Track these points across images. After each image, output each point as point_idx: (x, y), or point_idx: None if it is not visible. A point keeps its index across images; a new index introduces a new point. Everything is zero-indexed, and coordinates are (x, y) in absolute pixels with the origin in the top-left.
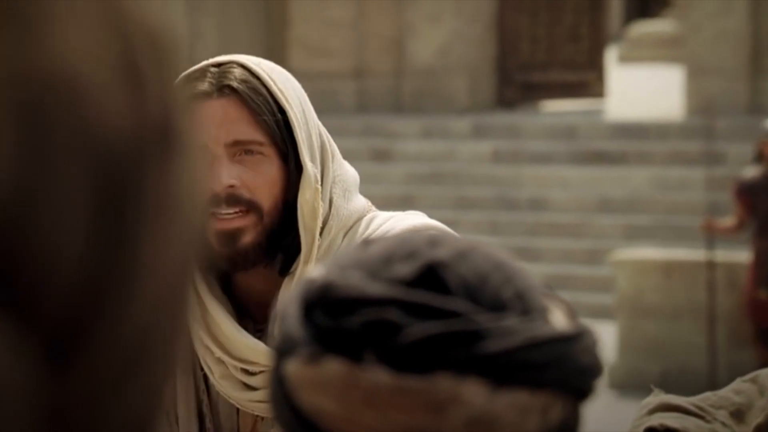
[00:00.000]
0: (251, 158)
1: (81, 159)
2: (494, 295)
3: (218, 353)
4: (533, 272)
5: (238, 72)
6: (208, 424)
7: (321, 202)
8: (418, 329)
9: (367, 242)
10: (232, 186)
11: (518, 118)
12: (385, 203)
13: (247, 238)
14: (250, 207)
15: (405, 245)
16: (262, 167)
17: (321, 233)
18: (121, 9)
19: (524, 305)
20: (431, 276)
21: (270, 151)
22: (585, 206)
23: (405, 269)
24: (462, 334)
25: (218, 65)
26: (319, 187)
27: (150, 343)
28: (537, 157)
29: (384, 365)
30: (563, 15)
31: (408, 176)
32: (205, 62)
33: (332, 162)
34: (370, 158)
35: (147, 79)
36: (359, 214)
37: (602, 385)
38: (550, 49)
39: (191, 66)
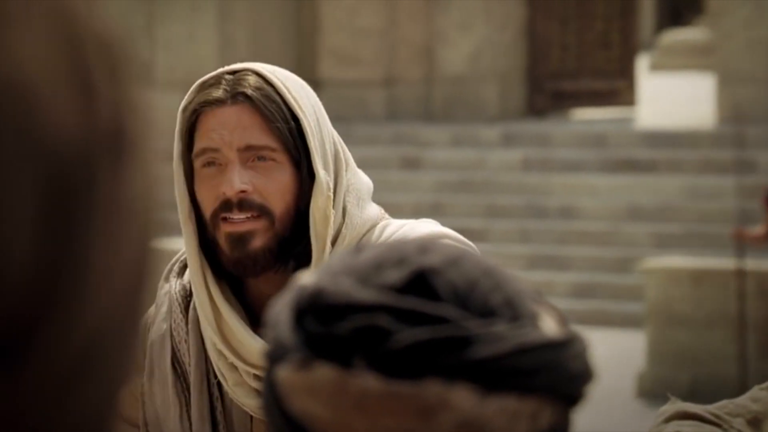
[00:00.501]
0: (264, 164)
1: (29, 163)
2: (483, 301)
3: (231, 358)
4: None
5: (252, 80)
6: (222, 431)
7: (333, 210)
8: (407, 335)
9: (358, 249)
10: (243, 191)
11: (548, 126)
12: (414, 211)
13: (258, 243)
14: (261, 212)
15: (395, 252)
16: (274, 173)
17: (334, 241)
18: (73, 16)
19: (514, 312)
20: (421, 282)
21: (282, 158)
22: (615, 214)
23: (395, 275)
24: (451, 340)
25: (233, 72)
26: (332, 195)
27: (102, 346)
28: (567, 165)
29: (374, 371)
30: (594, 23)
31: (438, 184)
32: (220, 69)
33: (346, 170)
34: (400, 166)
35: (98, 84)
36: (372, 222)
37: (631, 393)
38: (581, 57)
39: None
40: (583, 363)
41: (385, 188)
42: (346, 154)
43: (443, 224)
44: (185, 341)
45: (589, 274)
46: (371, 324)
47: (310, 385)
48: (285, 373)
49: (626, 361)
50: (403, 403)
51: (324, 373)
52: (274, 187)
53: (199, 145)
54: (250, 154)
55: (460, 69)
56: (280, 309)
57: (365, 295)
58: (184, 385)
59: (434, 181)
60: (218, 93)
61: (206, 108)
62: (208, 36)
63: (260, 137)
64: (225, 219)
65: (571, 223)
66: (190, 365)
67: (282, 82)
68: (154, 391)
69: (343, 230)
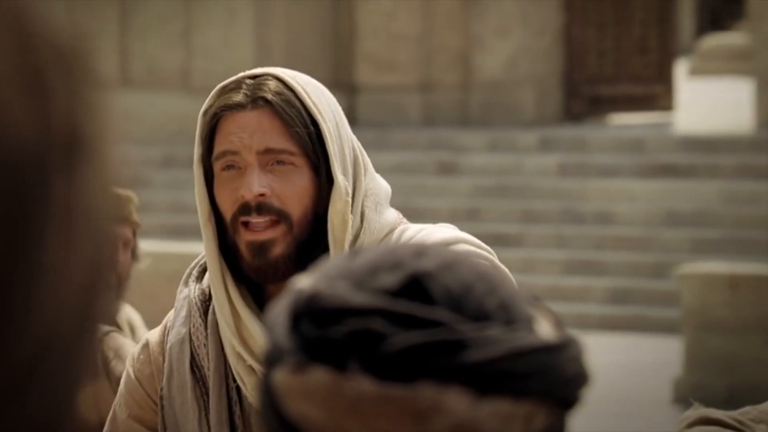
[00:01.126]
0: (282, 168)
1: None
2: (478, 305)
3: (250, 361)
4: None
5: (272, 84)
6: None
7: (351, 215)
8: (401, 339)
9: (355, 252)
10: (262, 194)
11: (585, 131)
12: (450, 216)
13: (278, 250)
14: (279, 216)
15: (391, 256)
16: (292, 177)
17: (353, 246)
18: (26, 20)
19: (508, 315)
20: (416, 286)
21: (301, 162)
22: (652, 220)
23: (390, 279)
24: (445, 343)
25: (254, 77)
26: (350, 199)
27: (55, 347)
28: (604, 170)
29: (368, 374)
30: (631, 28)
31: (474, 189)
32: (241, 74)
33: (364, 175)
34: (436, 171)
35: (52, 89)
36: (391, 226)
37: (668, 399)
38: (618, 62)
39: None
40: (578, 366)
41: (421, 193)
42: (365, 159)
43: (479, 230)
44: (204, 345)
45: (626, 280)
46: (366, 328)
47: (305, 388)
48: (281, 377)
49: (662, 367)
50: (397, 407)
51: (319, 376)
52: (293, 191)
53: (219, 148)
54: (269, 158)
55: (497, 74)
56: (278, 312)
57: (360, 298)
58: (203, 389)
59: (470, 187)
60: (239, 97)
61: (227, 112)
62: (245, 42)
63: (279, 141)
64: (245, 224)
65: (607, 228)
66: (208, 369)
67: (302, 87)
68: (173, 395)
69: (362, 235)
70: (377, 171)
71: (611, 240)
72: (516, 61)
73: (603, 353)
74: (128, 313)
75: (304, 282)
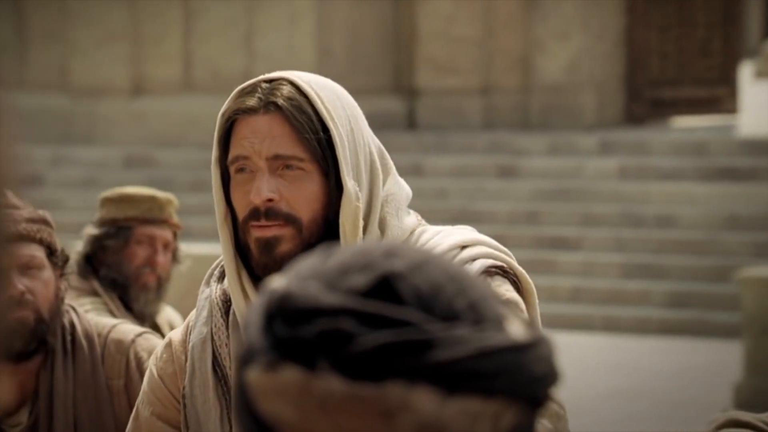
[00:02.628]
0: (291, 173)
1: None
2: (447, 305)
3: None
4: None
5: (286, 90)
6: None
7: (362, 220)
8: (370, 338)
9: (328, 253)
10: (270, 200)
11: (646, 134)
12: (509, 220)
13: (284, 248)
14: (287, 220)
15: (362, 257)
16: (302, 183)
17: None
18: None
19: (477, 315)
20: (386, 287)
21: (311, 168)
22: (713, 223)
23: (360, 280)
24: (413, 343)
25: (270, 81)
26: (360, 204)
27: None
28: (665, 173)
29: (337, 373)
30: (695, 30)
31: (534, 193)
32: (259, 77)
33: (385, 180)
34: (496, 175)
35: None
36: (410, 230)
37: (728, 404)
38: (681, 65)
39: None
40: (547, 366)
41: (480, 197)
42: (387, 164)
43: (539, 233)
44: (226, 345)
45: (686, 284)
46: (335, 327)
47: (276, 386)
48: (254, 375)
49: (723, 372)
50: (365, 405)
51: (290, 375)
52: (302, 196)
53: (233, 152)
54: (279, 163)
55: (558, 77)
56: (253, 312)
57: (331, 299)
58: (225, 388)
59: (530, 190)
60: (252, 101)
61: (241, 115)
62: (306, 46)
63: (288, 147)
64: (253, 225)
65: (668, 231)
66: (230, 368)
67: (316, 93)
68: (195, 394)
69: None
70: (437, 175)
71: (672, 243)
72: (577, 64)
73: (662, 357)
74: (169, 313)
75: (278, 282)
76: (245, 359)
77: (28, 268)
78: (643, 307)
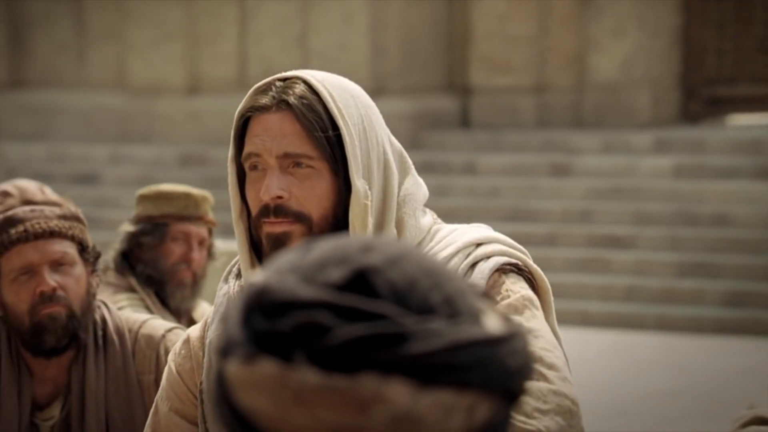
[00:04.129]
0: (301, 171)
1: None
2: (422, 299)
3: None
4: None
5: (298, 88)
6: None
7: (371, 219)
8: (344, 331)
9: (307, 248)
10: (280, 197)
11: (702, 132)
12: (563, 218)
13: (294, 244)
14: (297, 218)
15: (339, 251)
16: (312, 181)
17: None
18: None
19: (452, 309)
20: (361, 281)
21: (321, 166)
22: None
23: (336, 274)
24: (387, 335)
25: (284, 80)
26: (368, 203)
27: None
28: (720, 171)
29: (313, 365)
30: (752, 27)
31: (587, 191)
32: (275, 76)
33: (399, 180)
34: (549, 173)
35: None
36: (427, 229)
37: None
38: (738, 62)
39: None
40: (521, 359)
41: (534, 195)
42: (406, 164)
43: (592, 231)
44: None
45: (741, 283)
46: (311, 320)
47: (253, 379)
48: (232, 368)
49: None
50: (339, 397)
51: (266, 367)
52: (311, 194)
53: (246, 149)
54: (289, 161)
55: (612, 75)
56: (233, 305)
57: (307, 292)
58: None
59: (584, 188)
60: (265, 99)
61: (254, 113)
62: (360, 44)
63: (298, 145)
64: (264, 222)
65: (723, 230)
66: None
67: (328, 91)
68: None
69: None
70: (491, 173)
71: (727, 242)
72: (631, 61)
73: (716, 357)
74: (205, 309)
75: (257, 276)
76: (224, 352)
77: (60, 264)
78: (697, 307)
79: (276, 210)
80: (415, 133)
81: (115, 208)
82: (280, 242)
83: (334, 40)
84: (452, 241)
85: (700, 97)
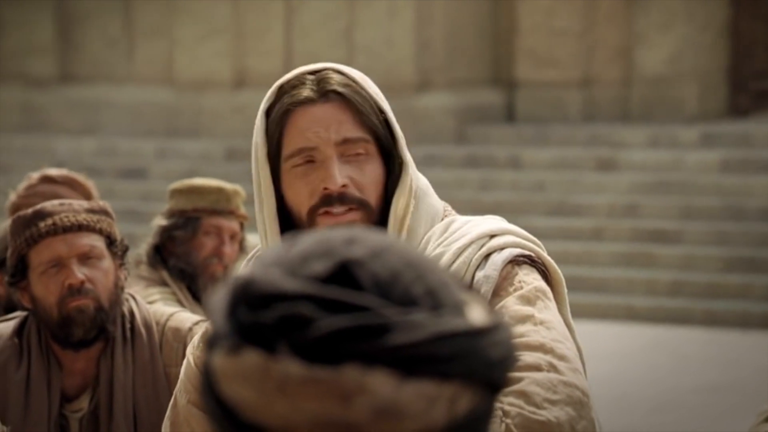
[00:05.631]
0: (357, 158)
1: None
2: (405, 291)
3: None
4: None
5: (337, 77)
6: None
7: (412, 200)
8: (327, 323)
9: (292, 241)
10: (345, 185)
11: (750, 126)
12: (608, 213)
13: None
14: (360, 205)
15: (323, 244)
16: (367, 166)
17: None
18: None
19: (435, 301)
20: (345, 273)
21: (373, 150)
22: None
23: (320, 267)
24: (369, 327)
25: (312, 72)
26: (413, 176)
27: None
28: None
29: (296, 357)
30: None
31: (633, 185)
32: (297, 71)
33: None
34: (595, 168)
35: None
36: (437, 210)
37: None
38: None
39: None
40: (504, 350)
41: (579, 190)
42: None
43: (638, 226)
44: None
45: None
46: (295, 312)
47: (238, 370)
48: (217, 359)
49: None
50: (322, 388)
51: (251, 358)
52: (369, 179)
53: (293, 145)
54: (346, 148)
55: (660, 69)
56: (218, 298)
57: (291, 285)
58: None
59: (630, 182)
60: (306, 92)
61: (296, 108)
62: (405, 39)
63: (354, 130)
64: (327, 213)
65: None
66: None
67: (361, 78)
68: None
69: (410, 217)
70: (536, 167)
71: None
72: (679, 55)
73: (763, 352)
74: None
75: (243, 269)
76: (211, 344)
77: (88, 257)
78: (743, 301)
79: (341, 198)
80: (460, 128)
81: (162, 202)
82: None
83: (380, 34)
84: (466, 232)
85: (748, 91)
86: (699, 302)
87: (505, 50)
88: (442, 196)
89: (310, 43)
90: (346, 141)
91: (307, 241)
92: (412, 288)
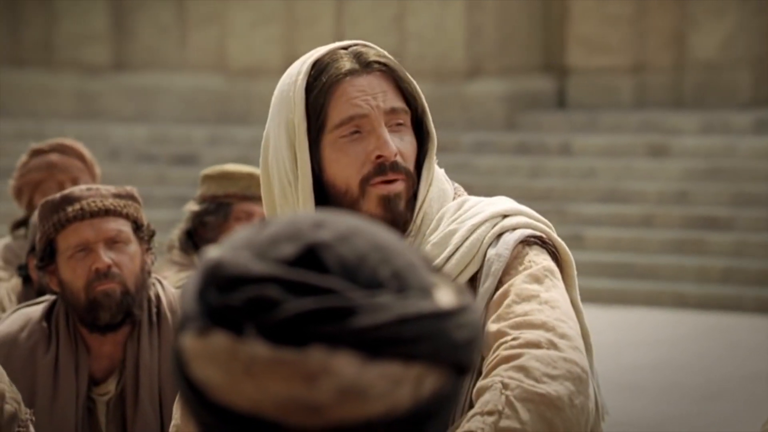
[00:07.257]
0: (399, 129)
1: None
2: (371, 274)
3: None
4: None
5: (373, 51)
6: None
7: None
8: (293, 305)
9: (262, 224)
10: (396, 153)
11: None
12: (659, 199)
13: (402, 204)
14: (407, 175)
15: (291, 227)
16: (407, 137)
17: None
18: None
19: (401, 283)
20: (312, 256)
21: (408, 121)
22: None
23: (288, 250)
24: (334, 309)
25: (344, 48)
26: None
27: None
28: None
29: (262, 338)
30: None
31: (685, 172)
32: (325, 48)
33: None
34: (647, 154)
35: None
36: (445, 187)
37: None
38: None
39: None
40: (470, 332)
41: (630, 176)
42: None
43: (689, 212)
44: None
45: None
46: (261, 295)
47: (206, 351)
48: (187, 341)
49: None
50: (287, 369)
51: (218, 340)
52: (409, 149)
53: (342, 114)
54: (391, 118)
55: (713, 55)
56: (190, 280)
57: (259, 267)
58: None
59: (681, 169)
60: (349, 64)
61: (339, 79)
62: (456, 25)
63: (397, 101)
64: (382, 182)
65: None
66: None
67: (387, 53)
68: None
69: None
70: (586, 154)
71: None
72: (732, 40)
73: None
74: None
75: (213, 252)
76: (181, 325)
77: (114, 242)
78: None
79: (393, 166)
80: (510, 114)
81: None
82: (394, 202)
83: (431, 21)
84: (480, 210)
85: None
86: (750, 289)
87: (557, 36)
88: (492, 183)
89: (361, 29)
90: (392, 110)
91: (276, 223)
92: (379, 271)
